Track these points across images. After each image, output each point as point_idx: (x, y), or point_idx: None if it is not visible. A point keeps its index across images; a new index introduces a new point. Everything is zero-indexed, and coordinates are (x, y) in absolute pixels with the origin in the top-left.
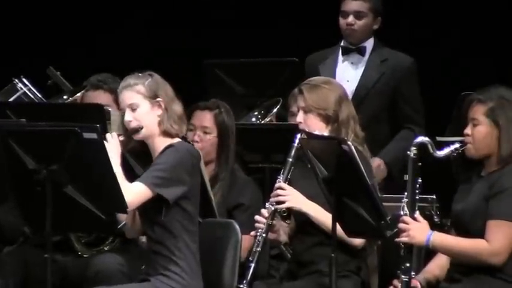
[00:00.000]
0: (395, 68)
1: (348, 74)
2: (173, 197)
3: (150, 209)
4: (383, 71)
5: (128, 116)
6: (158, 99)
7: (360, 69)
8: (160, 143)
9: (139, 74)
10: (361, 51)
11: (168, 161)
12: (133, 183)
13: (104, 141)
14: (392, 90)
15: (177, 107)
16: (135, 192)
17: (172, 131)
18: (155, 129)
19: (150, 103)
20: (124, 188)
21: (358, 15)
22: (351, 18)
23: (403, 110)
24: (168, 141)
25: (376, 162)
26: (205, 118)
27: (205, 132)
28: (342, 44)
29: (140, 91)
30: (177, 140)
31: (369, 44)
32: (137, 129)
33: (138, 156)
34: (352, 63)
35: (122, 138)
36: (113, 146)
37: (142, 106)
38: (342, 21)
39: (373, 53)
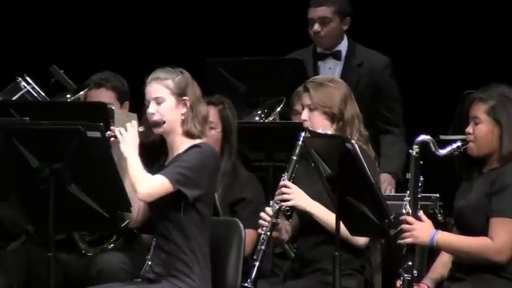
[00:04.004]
0: (372, 71)
1: None
2: (193, 196)
3: (168, 205)
4: (360, 74)
5: (152, 108)
6: (185, 97)
7: (337, 74)
8: (180, 142)
9: (170, 69)
10: (337, 56)
11: (193, 161)
12: (154, 175)
13: (123, 131)
14: (370, 93)
15: (203, 108)
16: (155, 184)
17: (195, 132)
18: (177, 127)
19: (176, 100)
20: (144, 178)
21: (323, 21)
22: (316, 26)
23: (381, 111)
24: (189, 141)
25: (383, 178)
26: (209, 114)
27: (210, 128)
28: (317, 50)
29: (168, 86)
30: (199, 140)
31: (343, 46)
32: (159, 123)
33: (151, 149)
34: (329, 68)
35: (141, 129)
36: (132, 135)
37: (167, 101)
38: (310, 30)
39: (348, 57)
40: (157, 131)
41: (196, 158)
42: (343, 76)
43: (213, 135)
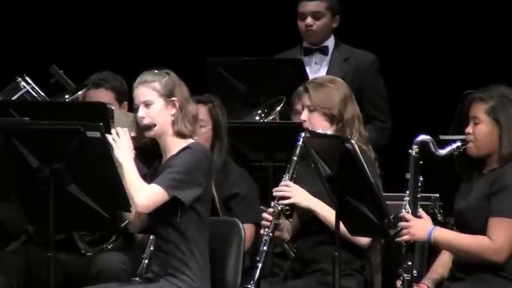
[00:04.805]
0: (358, 66)
1: (313, 74)
2: (189, 200)
3: (166, 210)
4: (346, 69)
5: (141, 112)
6: (173, 98)
7: (324, 69)
8: (172, 143)
9: (156, 71)
10: (324, 51)
11: (185, 164)
12: (149, 185)
13: (115, 138)
14: (356, 88)
15: (192, 108)
16: (151, 195)
17: (186, 132)
18: (168, 128)
19: (165, 101)
20: (140, 190)
21: (315, 16)
22: (309, 20)
23: (367, 108)
24: (181, 141)
25: None
26: (200, 112)
27: (200, 126)
28: (303, 45)
29: (156, 88)
30: (191, 141)
31: (330, 42)
32: (150, 126)
33: (145, 153)
34: (315, 63)
35: (133, 134)
36: (125, 140)
37: (156, 104)
38: (300, 23)
39: (335, 52)
40: (149, 134)
41: (188, 160)
42: (329, 71)
43: (204, 133)
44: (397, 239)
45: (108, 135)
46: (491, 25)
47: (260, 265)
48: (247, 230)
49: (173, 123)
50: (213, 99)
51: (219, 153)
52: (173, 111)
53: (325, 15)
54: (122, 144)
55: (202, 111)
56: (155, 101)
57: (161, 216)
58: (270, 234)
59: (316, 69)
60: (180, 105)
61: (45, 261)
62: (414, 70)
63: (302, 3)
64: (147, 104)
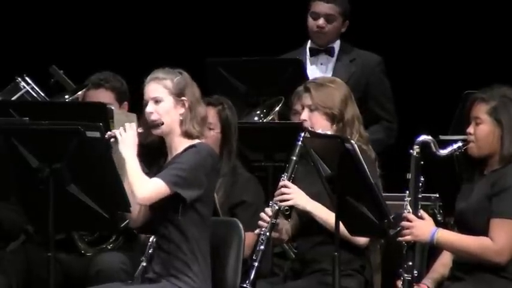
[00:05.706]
0: (364, 67)
1: (318, 75)
2: (190, 197)
3: (167, 207)
4: (352, 70)
5: (150, 107)
6: (183, 98)
7: (330, 70)
8: (179, 143)
9: (169, 69)
10: (330, 52)
11: (189, 162)
12: (151, 179)
13: (122, 132)
14: (362, 89)
15: (201, 109)
16: (152, 188)
17: (194, 132)
18: (175, 128)
19: (175, 100)
20: (142, 182)
21: (328, 18)
22: (321, 21)
23: (373, 108)
24: (188, 142)
25: None
26: (209, 114)
27: (209, 128)
28: (309, 45)
29: (167, 86)
30: (198, 141)
31: (337, 44)
32: (157, 124)
33: (151, 151)
34: (321, 64)
35: (140, 130)
36: (130, 136)
37: (166, 101)
38: (311, 23)
39: (341, 53)
40: (156, 132)
41: (192, 159)
42: (335, 71)
43: (212, 135)
44: (399, 238)
45: (115, 130)
46: (491, 25)
47: (256, 264)
48: (248, 238)
49: (181, 122)
50: (223, 101)
51: (227, 157)
52: (182, 110)
53: (336, 19)
54: (126, 140)
55: (212, 114)
56: (165, 98)
57: (162, 213)
58: (267, 233)
59: (322, 70)
60: (189, 106)
61: (45, 261)
62: (414, 71)
63: (316, 2)
64: (156, 101)
